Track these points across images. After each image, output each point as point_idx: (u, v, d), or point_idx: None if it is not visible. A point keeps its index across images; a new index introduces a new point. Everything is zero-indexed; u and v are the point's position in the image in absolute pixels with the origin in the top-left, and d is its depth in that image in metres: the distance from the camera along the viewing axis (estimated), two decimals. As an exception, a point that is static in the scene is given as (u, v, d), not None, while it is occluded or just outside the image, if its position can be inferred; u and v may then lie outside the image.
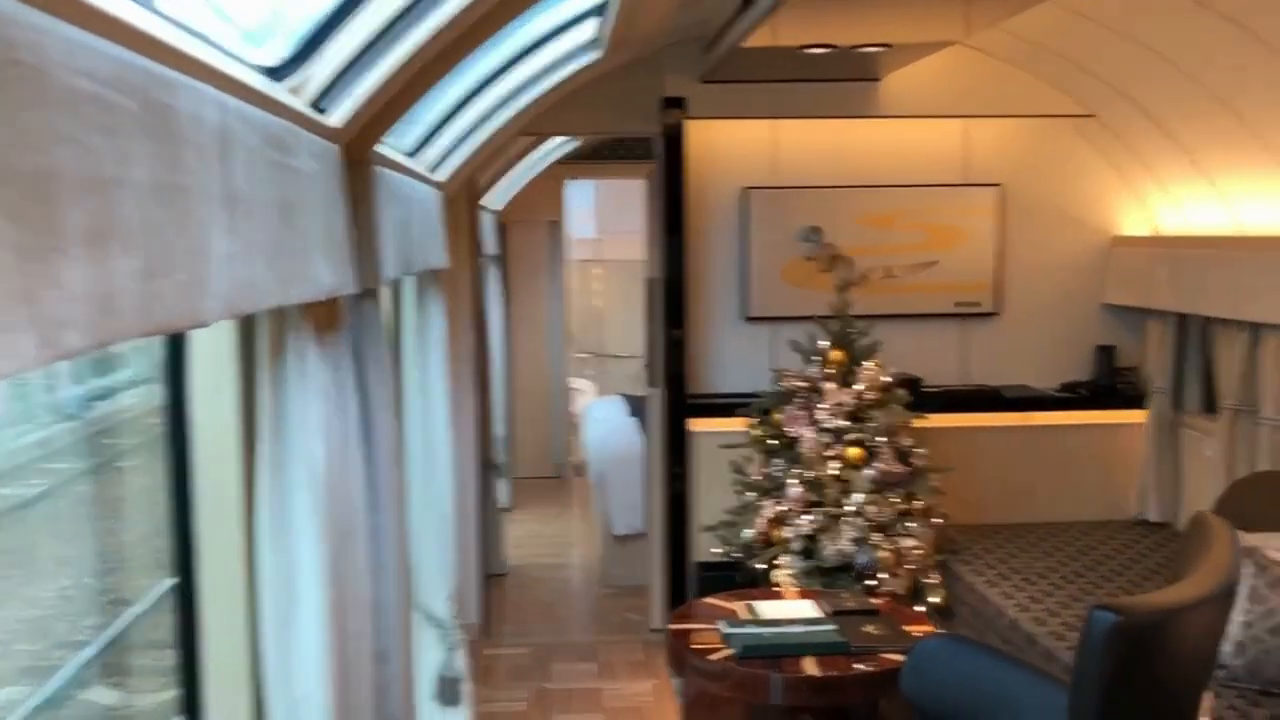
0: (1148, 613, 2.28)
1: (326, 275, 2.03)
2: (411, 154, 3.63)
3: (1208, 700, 3.10)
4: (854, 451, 4.85)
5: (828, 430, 4.89)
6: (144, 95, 1.17)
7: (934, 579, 4.90)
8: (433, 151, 3.95)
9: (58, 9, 1.00)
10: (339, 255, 2.17)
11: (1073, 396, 5.82)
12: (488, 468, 6.35)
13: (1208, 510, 2.86)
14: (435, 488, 3.87)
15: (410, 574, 3.61)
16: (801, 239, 5.67)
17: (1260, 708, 3.49)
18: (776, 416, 5.03)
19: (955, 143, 5.79)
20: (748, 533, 4.96)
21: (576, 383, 10.77)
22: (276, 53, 1.97)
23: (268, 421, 1.95)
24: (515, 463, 8.80)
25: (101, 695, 3.45)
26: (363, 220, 2.47)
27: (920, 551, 4.84)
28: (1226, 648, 3.53)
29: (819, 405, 4.91)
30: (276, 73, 1.96)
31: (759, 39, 4.44)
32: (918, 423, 5.06)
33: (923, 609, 4.74)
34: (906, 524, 4.86)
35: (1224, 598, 2.48)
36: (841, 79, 5.44)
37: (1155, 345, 5.61)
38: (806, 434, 4.89)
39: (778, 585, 4.73)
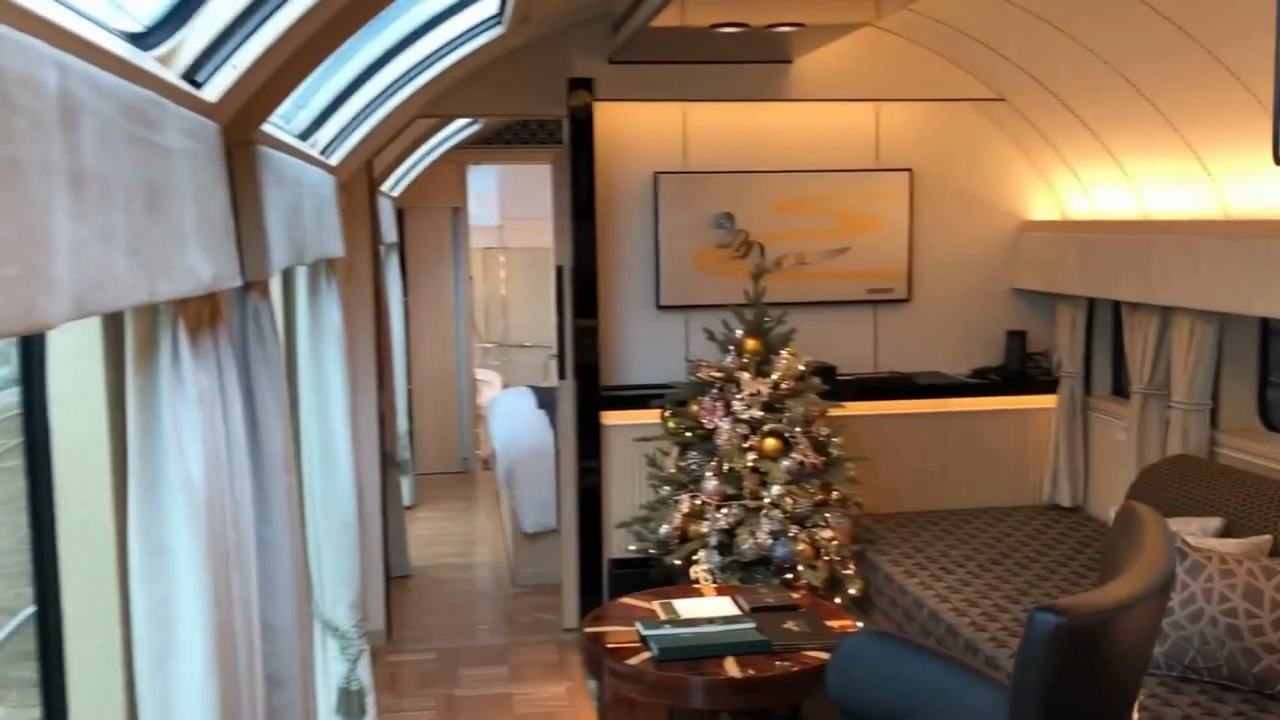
0: (1090, 613, 2.19)
1: (204, 268, 1.81)
2: (303, 136, 3.39)
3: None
4: (771, 442, 4.74)
5: (744, 421, 4.77)
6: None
7: (851, 570, 4.82)
8: (325, 134, 3.70)
9: None
10: (219, 245, 1.94)
11: (984, 382, 5.80)
12: (389, 464, 6.10)
13: (1137, 502, 2.80)
14: (335, 491, 3.63)
15: (309, 587, 3.39)
16: (714, 225, 5.56)
17: (1181, 695, 3.47)
18: (693, 408, 4.89)
19: (867, 127, 5.72)
20: (664, 528, 4.82)
21: (482, 374, 10.52)
22: (140, 18, 1.74)
23: (136, 435, 1.72)
24: (418, 458, 8.54)
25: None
26: (247, 206, 2.24)
27: (837, 543, 4.76)
28: (1149, 636, 3.51)
29: (736, 396, 4.79)
30: (140, 39, 1.73)
31: (668, 18, 4.28)
32: (834, 411, 4.97)
33: (841, 601, 4.67)
34: (824, 515, 4.77)
35: (1162, 592, 2.41)
36: (753, 61, 5.32)
37: (1065, 330, 5.62)
38: (723, 425, 4.76)
39: (695, 581, 4.60)
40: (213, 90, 2.00)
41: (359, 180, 5.24)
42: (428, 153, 7.87)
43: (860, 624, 4.08)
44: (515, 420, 7.78)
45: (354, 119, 3.94)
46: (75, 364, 1.90)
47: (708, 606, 4.14)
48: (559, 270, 5.73)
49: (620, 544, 5.33)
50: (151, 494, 1.75)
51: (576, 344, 5.46)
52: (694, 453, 4.89)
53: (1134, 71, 4.34)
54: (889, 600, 4.81)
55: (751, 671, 3.64)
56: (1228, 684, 3.48)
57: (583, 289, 5.44)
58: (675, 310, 5.62)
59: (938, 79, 5.53)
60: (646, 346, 5.62)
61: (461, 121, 7.32)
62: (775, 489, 4.67)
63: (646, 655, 3.73)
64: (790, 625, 3.91)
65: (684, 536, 4.79)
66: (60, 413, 1.91)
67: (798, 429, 4.76)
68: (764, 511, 4.67)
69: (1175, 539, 3.10)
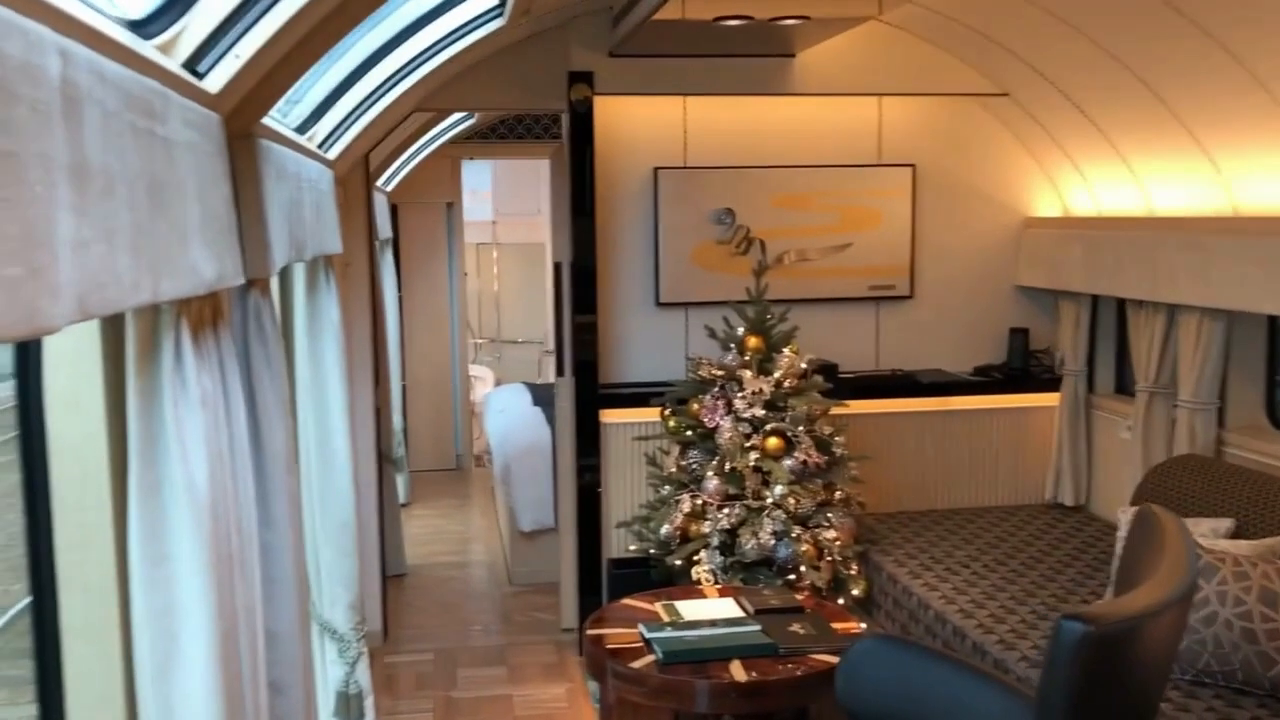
0: (1118, 621, 2.13)
1: (207, 266, 1.74)
2: (300, 129, 3.32)
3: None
4: (774, 442, 4.68)
5: (745, 420, 4.71)
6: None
7: (854, 571, 4.77)
8: (323, 127, 3.63)
9: None
10: (222, 242, 1.88)
11: (986, 380, 5.75)
12: (385, 462, 6.02)
13: (1154, 505, 2.74)
14: (333, 491, 3.57)
15: (308, 590, 3.32)
16: (714, 221, 5.49)
17: (1197, 699, 3.43)
18: (694, 406, 4.83)
19: (870, 122, 5.66)
20: (665, 528, 4.76)
21: (475, 370, 10.44)
22: (140, 3, 1.67)
23: (138, 440, 1.65)
24: (412, 455, 8.47)
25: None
26: (249, 201, 2.17)
27: (840, 543, 4.71)
28: (1161, 639, 3.46)
29: (737, 394, 4.73)
30: (141, 26, 1.66)
31: (670, 11, 4.21)
32: (836, 410, 4.91)
33: (844, 603, 4.61)
34: (827, 515, 4.71)
35: (1185, 598, 2.35)
36: (756, 55, 5.25)
37: (1068, 327, 5.57)
38: (725, 424, 4.70)
39: (697, 582, 4.54)
40: (215, 80, 1.93)
41: (355, 175, 5.16)
42: (423, 146, 7.78)
43: (865, 626, 4.03)
44: (510, 417, 7.71)
45: (352, 112, 3.87)
46: (72, 366, 1.83)
47: (711, 608, 4.08)
48: (557, 266, 5.66)
49: (619, 543, 5.27)
50: (154, 501, 1.68)
51: (575, 341, 5.39)
52: (695, 452, 4.82)
53: (1141, 66, 4.28)
54: (893, 601, 4.76)
55: (757, 675, 3.57)
56: (1243, 688, 3.43)
57: (582, 285, 5.36)
58: (675, 307, 5.55)
59: (941, 73, 5.47)
60: (645, 343, 5.56)
61: (457, 115, 7.23)
62: (779, 489, 4.61)
63: (650, 658, 3.67)
64: (796, 628, 3.84)
65: (685, 536, 4.73)
66: (57, 416, 1.83)
67: (801, 428, 4.70)
68: (767, 512, 4.61)
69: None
